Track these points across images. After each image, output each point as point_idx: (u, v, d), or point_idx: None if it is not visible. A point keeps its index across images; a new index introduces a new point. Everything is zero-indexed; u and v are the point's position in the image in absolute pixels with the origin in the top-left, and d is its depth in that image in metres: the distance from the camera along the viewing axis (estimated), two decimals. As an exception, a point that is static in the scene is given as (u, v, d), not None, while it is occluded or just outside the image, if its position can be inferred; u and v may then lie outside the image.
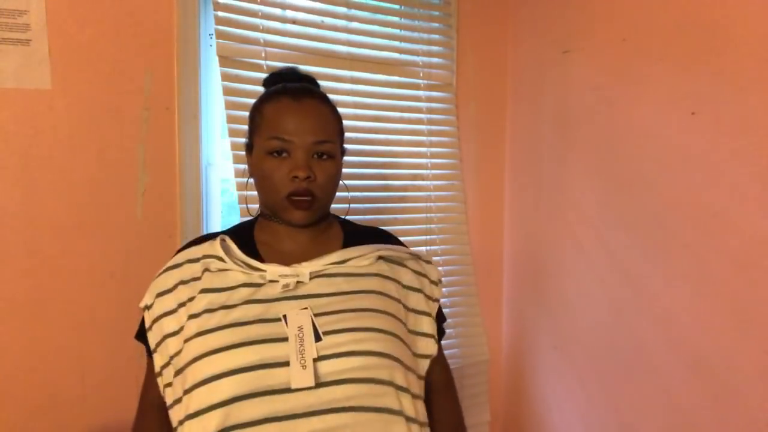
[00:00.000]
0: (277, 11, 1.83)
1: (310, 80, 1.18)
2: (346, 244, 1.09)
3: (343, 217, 1.24)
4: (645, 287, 1.74)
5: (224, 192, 1.87)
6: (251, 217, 1.23)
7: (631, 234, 1.79)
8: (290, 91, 1.06)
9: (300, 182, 0.99)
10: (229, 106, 1.74)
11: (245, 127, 1.84)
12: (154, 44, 1.64)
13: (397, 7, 2.08)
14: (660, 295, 1.70)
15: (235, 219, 1.81)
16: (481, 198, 2.25)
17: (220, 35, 1.71)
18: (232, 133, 1.75)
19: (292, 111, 1.02)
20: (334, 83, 1.92)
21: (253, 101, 1.90)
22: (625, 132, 1.81)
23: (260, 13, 1.79)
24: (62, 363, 1.57)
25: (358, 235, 1.12)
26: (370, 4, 2.02)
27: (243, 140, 1.76)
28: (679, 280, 1.65)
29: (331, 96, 2.05)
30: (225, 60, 1.72)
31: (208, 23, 1.74)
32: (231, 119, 1.74)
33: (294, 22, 1.85)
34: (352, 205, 1.83)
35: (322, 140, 1.02)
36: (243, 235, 1.12)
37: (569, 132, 2.03)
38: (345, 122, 2.06)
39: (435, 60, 2.15)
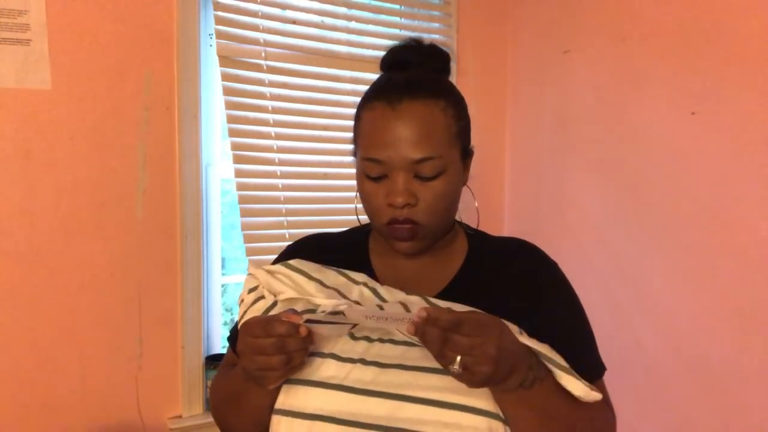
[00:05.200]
0: (277, 11, 1.83)
1: (435, 55, 0.93)
2: (468, 263, 0.93)
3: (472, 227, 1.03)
4: (645, 287, 1.74)
5: (224, 192, 1.87)
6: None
7: (631, 234, 1.79)
8: (389, 91, 0.84)
9: (398, 210, 0.83)
10: (229, 106, 1.74)
11: (245, 127, 1.86)
12: (154, 44, 1.64)
13: (397, 7, 2.08)
14: (660, 295, 1.70)
15: (236, 219, 1.81)
16: (481, 198, 2.25)
17: (220, 35, 1.71)
18: (232, 133, 1.75)
19: (386, 123, 0.82)
20: (334, 83, 1.92)
21: (253, 101, 1.90)
22: (625, 132, 1.81)
23: (260, 13, 1.79)
24: (62, 363, 1.56)
25: (486, 252, 0.94)
26: (370, 4, 2.02)
27: (243, 140, 1.77)
28: (679, 280, 1.65)
29: (330, 96, 2.02)
30: (225, 60, 1.72)
31: (208, 23, 1.74)
32: (231, 119, 1.74)
33: (294, 22, 1.85)
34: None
35: (423, 157, 0.81)
36: (357, 243, 0.99)
37: (569, 132, 2.03)
38: (345, 122, 2.00)
39: (435, 60, 2.15)
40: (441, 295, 0.87)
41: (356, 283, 0.87)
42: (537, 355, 0.76)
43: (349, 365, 0.79)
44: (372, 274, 0.91)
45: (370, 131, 0.84)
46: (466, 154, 0.91)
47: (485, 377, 0.67)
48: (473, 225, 1.02)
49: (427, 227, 0.84)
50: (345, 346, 0.81)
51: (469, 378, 0.68)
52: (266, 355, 0.72)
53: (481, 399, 0.75)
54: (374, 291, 0.86)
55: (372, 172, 0.84)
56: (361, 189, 0.88)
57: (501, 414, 0.76)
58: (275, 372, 0.74)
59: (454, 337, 0.66)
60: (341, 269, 0.89)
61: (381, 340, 0.81)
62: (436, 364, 0.73)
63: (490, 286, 0.89)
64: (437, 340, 0.66)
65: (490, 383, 0.70)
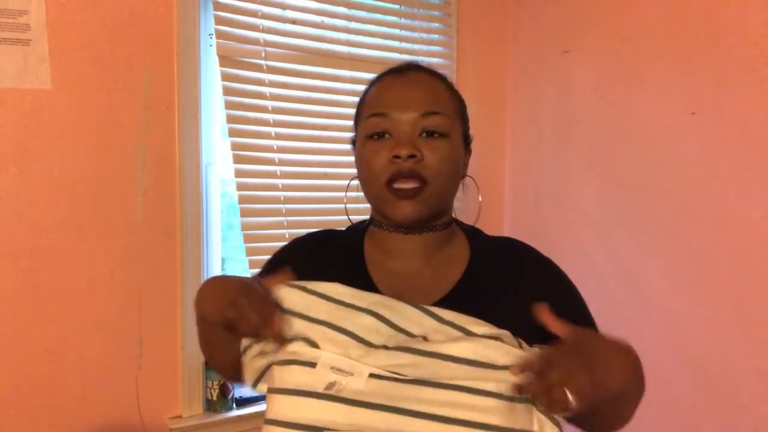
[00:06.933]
0: (277, 11, 1.83)
1: (432, 71, 0.96)
2: (471, 267, 0.89)
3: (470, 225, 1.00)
4: (645, 287, 1.74)
5: (224, 194, 1.87)
6: (365, 218, 0.99)
7: (631, 233, 1.79)
8: (396, 68, 0.89)
9: (402, 162, 0.80)
10: (229, 106, 1.74)
11: (245, 127, 1.85)
12: (154, 44, 1.64)
13: (397, 7, 2.08)
14: (660, 294, 1.70)
15: (236, 219, 1.81)
16: (481, 198, 2.25)
17: (220, 35, 1.71)
18: (232, 133, 1.75)
19: (395, 85, 0.86)
20: (334, 83, 1.92)
21: (253, 101, 1.90)
22: (625, 132, 1.81)
23: (260, 13, 1.79)
24: (62, 363, 1.56)
25: (488, 254, 0.91)
26: (370, 4, 2.02)
27: (243, 140, 1.77)
28: (679, 280, 1.65)
29: (330, 96, 2.02)
30: (225, 60, 1.72)
31: (208, 23, 1.74)
32: (231, 119, 1.74)
33: (294, 22, 1.85)
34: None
35: (430, 111, 0.82)
36: (352, 246, 0.94)
37: (569, 132, 2.03)
38: (345, 122, 2.00)
39: (435, 60, 2.15)
40: (441, 302, 0.84)
41: (360, 310, 0.80)
42: None
43: (346, 376, 0.75)
44: (370, 282, 0.87)
45: (378, 94, 0.88)
46: (467, 140, 0.94)
47: (587, 386, 0.63)
48: (474, 218, 1.02)
49: (431, 187, 0.82)
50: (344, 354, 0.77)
51: (584, 399, 0.63)
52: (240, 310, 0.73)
53: (485, 414, 0.72)
54: (380, 317, 0.79)
55: (377, 128, 0.84)
56: (361, 155, 0.86)
57: (507, 428, 0.72)
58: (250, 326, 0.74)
59: (548, 372, 0.64)
60: (342, 301, 0.81)
61: (385, 348, 0.76)
62: (435, 378, 0.71)
63: (489, 293, 0.86)
64: (539, 386, 0.65)
65: (612, 385, 0.65)
